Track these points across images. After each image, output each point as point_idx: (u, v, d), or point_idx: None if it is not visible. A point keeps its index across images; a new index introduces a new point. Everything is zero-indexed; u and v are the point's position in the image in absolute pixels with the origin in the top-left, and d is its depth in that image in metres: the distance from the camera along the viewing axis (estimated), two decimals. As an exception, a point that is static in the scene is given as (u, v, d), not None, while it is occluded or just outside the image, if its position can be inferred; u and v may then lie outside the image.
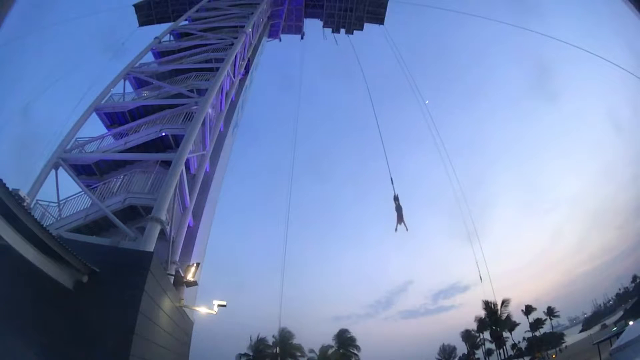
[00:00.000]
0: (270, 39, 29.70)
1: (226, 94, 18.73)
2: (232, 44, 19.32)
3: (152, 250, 9.41)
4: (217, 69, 17.20)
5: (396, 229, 17.22)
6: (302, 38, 31.98)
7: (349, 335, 44.74)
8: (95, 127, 15.64)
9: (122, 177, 12.65)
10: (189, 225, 13.31)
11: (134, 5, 28.08)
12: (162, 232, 10.60)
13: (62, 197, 11.80)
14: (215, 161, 16.71)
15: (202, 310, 11.80)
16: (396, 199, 17.59)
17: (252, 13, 22.94)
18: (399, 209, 17.43)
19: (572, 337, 51.79)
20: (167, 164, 12.40)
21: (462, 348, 54.03)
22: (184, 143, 12.67)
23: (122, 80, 16.50)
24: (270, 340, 41.22)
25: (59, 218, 11.29)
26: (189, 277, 11.32)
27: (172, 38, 21.25)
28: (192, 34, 21.16)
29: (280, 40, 30.71)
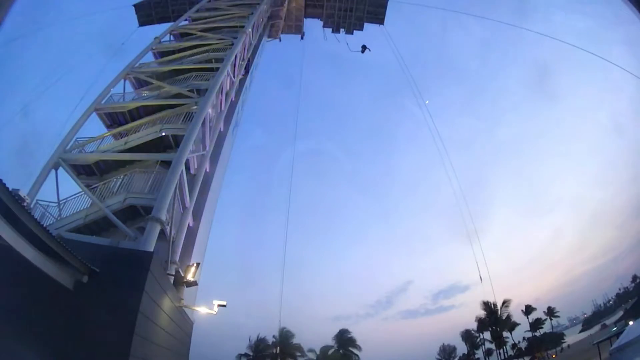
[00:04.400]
0: (270, 39, 29.71)
1: (226, 94, 18.74)
2: (232, 44, 19.31)
3: (152, 250, 9.42)
4: (217, 69, 17.20)
5: (362, 52, 29.36)
6: (302, 38, 31.99)
7: (349, 336, 44.68)
8: (95, 127, 15.66)
9: (122, 177, 12.65)
10: (189, 225, 13.32)
11: (134, 5, 28.07)
12: (162, 232, 10.60)
13: (62, 197, 11.80)
14: (215, 161, 16.71)
15: (202, 310, 11.81)
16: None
17: (252, 13, 22.94)
18: (364, 47, 29.45)
19: (572, 337, 51.70)
20: (167, 164, 12.39)
21: (462, 348, 53.94)
22: (184, 143, 12.67)
23: (122, 81, 16.51)
24: (270, 340, 41.21)
25: (59, 218, 11.28)
26: (189, 277, 11.33)
27: (172, 38, 21.24)
28: (192, 34, 21.15)
29: (280, 40, 30.73)
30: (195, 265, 11.70)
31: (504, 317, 47.98)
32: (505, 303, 47.55)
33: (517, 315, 49.70)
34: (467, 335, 52.59)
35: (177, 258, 11.92)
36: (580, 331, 56.51)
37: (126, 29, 27.71)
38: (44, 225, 6.55)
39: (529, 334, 50.76)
